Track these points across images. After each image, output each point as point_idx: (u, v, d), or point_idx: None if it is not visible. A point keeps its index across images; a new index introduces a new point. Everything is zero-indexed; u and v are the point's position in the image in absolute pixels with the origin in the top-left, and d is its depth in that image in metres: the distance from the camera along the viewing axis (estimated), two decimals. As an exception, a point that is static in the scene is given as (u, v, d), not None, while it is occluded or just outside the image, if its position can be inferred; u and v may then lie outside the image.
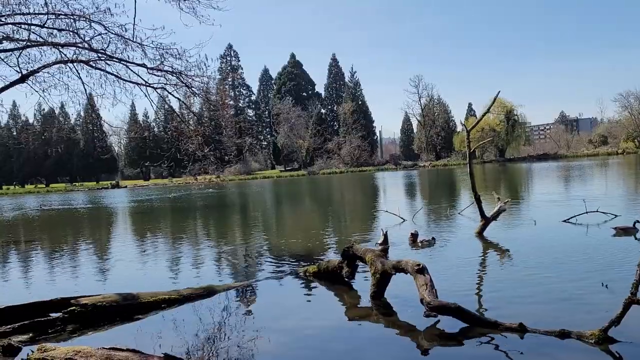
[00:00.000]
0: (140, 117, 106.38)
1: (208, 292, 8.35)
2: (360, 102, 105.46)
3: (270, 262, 11.16)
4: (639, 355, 5.12)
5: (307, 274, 9.24)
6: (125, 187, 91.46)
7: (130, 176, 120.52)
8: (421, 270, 6.74)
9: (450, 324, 6.36)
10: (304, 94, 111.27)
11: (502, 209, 12.80)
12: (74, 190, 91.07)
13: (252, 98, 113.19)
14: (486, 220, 12.60)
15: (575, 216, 13.97)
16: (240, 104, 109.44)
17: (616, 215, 13.99)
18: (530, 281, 8.12)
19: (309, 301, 8.09)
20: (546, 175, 44.73)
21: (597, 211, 14.07)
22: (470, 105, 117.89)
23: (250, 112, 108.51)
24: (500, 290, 7.78)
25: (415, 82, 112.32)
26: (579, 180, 35.01)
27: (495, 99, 12.31)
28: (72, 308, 7.21)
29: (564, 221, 13.89)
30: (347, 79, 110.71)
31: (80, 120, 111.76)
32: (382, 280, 7.55)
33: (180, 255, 13.12)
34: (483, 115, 12.61)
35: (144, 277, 10.77)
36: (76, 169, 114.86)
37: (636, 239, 11.06)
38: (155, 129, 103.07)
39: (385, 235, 11.32)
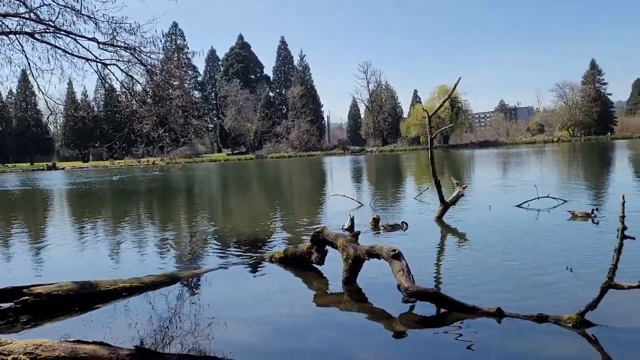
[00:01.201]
0: (79, 96, 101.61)
1: (171, 279, 7.98)
2: (309, 87, 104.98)
3: (229, 248, 10.87)
4: (614, 338, 5.23)
5: (274, 259, 9.01)
6: (63, 168, 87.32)
7: (67, 157, 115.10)
8: (397, 255, 6.66)
9: (425, 310, 6.33)
10: (252, 76, 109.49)
11: (461, 194, 13.00)
12: (5, 171, 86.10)
13: (198, 79, 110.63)
14: (445, 205, 12.75)
15: (527, 201, 14.38)
16: (186, 85, 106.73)
17: (565, 201, 14.52)
18: (497, 266, 8.24)
19: (278, 288, 7.86)
20: (489, 161, 46.21)
21: (547, 197, 14.55)
22: (415, 92, 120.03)
23: (197, 94, 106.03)
24: (469, 275, 7.84)
25: (364, 68, 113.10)
26: (521, 167, 36.32)
27: (455, 86, 12.40)
28: (25, 298, 6.69)
29: (517, 206, 14.27)
30: (296, 63, 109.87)
31: (13, 97, 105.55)
32: (354, 266, 7.44)
33: (134, 241, 12.56)
34: (444, 101, 12.72)
35: (95, 264, 10.20)
36: (8, 149, 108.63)
37: (594, 222, 11.47)
38: (96, 109, 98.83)
39: (352, 220, 11.25)
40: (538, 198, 14.26)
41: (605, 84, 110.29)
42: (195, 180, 42.80)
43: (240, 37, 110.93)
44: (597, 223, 11.39)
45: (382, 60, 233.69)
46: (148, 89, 15.34)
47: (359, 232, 8.02)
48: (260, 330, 6.10)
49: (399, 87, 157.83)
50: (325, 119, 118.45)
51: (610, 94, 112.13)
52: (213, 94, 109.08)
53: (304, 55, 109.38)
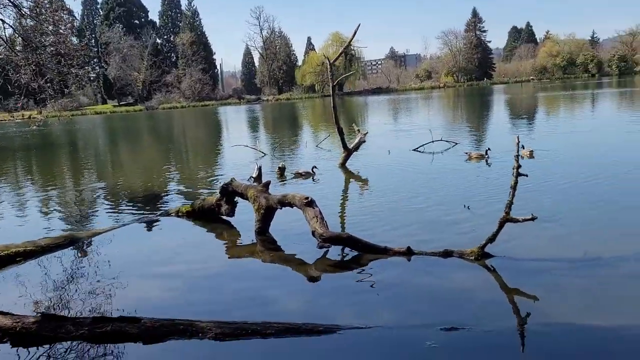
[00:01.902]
0: None
1: (70, 241, 7.47)
2: (199, 33, 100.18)
3: (126, 205, 10.37)
4: (511, 266, 5.73)
5: (180, 214, 8.74)
6: None
7: None
8: (310, 203, 6.72)
9: (339, 254, 6.52)
10: (136, 21, 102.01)
11: (362, 141, 13.31)
12: None
13: (75, 24, 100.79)
14: (348, 152, 13.02)
15: (422, 145, 15.10)
16: (62, 31, 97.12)
17: (456, 143, 15.43)
18: (401, 208, 8.63)
19: (188, 242, 7.63)
20: (383, 107, 47.68)
21: (441, 140, 15.36)
22: (309, 39, 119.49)
23: (74, 40, 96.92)
24: (376, 218, 8.12)
25: (256, 14, 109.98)
26: (413, 112, 37.95)
27: (355, 32, 12.43)
28: None
29: (414, 150, 14.94)
30: (184, 8, 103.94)
31: None
32: (266, 216, 7.42)
33: (17, 203, 11.54)
34: (345, 48, 12.72)
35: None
36: None
37: (487, 163, 12.31)
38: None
39: (259, 169, 11.14)
40: (432, 141, 15.01)
41: (485, 31, 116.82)
42: (79, 134, 39.87)
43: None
44: (490, 164, 12.27)
45: (275, 6, 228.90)
46: (20, 34, 13.83)
47: (269, 182, 7.97)
48: (173, 286, 5.94)
49: (293, 34, 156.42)
50: (218, 67, 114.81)
51: (489, 41, 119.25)
52: (93, 41, 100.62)
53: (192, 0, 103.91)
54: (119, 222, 8.75)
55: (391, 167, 12.79)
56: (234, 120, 47.47)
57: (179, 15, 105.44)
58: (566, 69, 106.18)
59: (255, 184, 8.58)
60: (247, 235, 7.67)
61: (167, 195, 11.29)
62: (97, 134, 40.71)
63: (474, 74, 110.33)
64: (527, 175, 5.80)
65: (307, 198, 6.78)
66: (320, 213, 6.62)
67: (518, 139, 5.74)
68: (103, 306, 5.27)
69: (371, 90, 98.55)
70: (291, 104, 77.86)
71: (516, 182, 5.70)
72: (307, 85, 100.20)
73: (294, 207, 7.14)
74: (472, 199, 8.73)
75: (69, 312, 5.15)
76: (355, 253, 6.38)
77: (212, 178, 13.02)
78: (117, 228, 8.26)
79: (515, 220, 5.66)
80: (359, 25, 12.34)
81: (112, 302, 5.36)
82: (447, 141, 15.40)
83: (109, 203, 10.84)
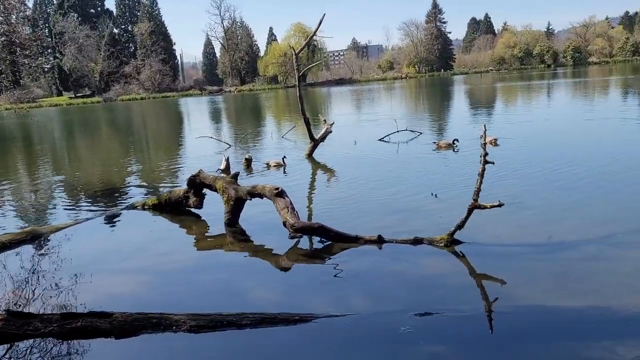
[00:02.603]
0: None
1: (32, 236, 7.24)
2: (158, 23, 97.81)
3: (88, 199, 10.13)
4: (479, 251, 5.86)
5: (147, 206, 8.58)
6: None
7: None
8: (280, 193, 6.71)
9: (310, 244, 6.54)
10: (92, 10, 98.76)
11: (329, 131, 13.33)
12: None
13: (27, 13, 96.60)
14: (315, 142, 13.02)
15: (388, 135, 15.24)
16: (13, 20, 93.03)
17: (421, 133, 15.64)
18: (370, 197, 8.71)
19: (156, 236, 7.52)
20: (346, 98, 47.79)
21: (406, 130, 15.54)
22: (271, 29, 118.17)
23: (27, 30, 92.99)
24: (345, 208, 8.18)
25: (217, 3, 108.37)
26: (377, 103, 38.23)
27: (320, 22, 12.38)
28: None
29: (380, 140, 15.06)
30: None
31: None
32: (236, 207, 7.36)
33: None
34: (310, 38, 12.65)
35: None
36: None
37: (455, 152, 12.52)
38: None
39: (227, 161, 11.05)
40: (398, 131, 15.16)
41: (445, 22, 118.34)
42: (34, 127, 38.48)
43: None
44: (457, 152, 12.50)
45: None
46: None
47: (237, 173, 7.90)
48: (143, 280, 5.85)
49: (254, 24, 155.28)
50: (179, 57, 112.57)
51: (449, 33, 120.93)
52: (47, 31, 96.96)
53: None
54: (81, 216, 8.52)
55: (358, 157, 12.86)
56: (196, 111, 46.74)
57: (136, 4, 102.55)
58: (523, 60, 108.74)
59: (223, 175, 8.47)
60: (217, 227, 7.59)
61: (129, 188, 11.07)
62: (53, 126, 39.37)
63: (435, 64, 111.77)
64: (493, 163, 5.91)
65: (277, 188, 6.77)
66: (291, 203, 6.62)
67: (485, 127, 5.87)
68: (71, 302, 5.13)
69: (334, 81, 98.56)
70: (254, 95, 77.13)
71: (483, 170, 5.82)
72: (269, 76, 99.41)
73: (264, 198, 7.11)
74: (440, 187, 8.88)
75: (35, 309, 5.00)
76: (327, 242, 6.41)
77: (174, 170, 12.84)
78: (81, 222, 8.04)
79: (483, 207, 5.79)
80: (324, 16, 12.29)
81: (80, 298, 5.22)
82: (412, 131, 15.59)
83: (69, 197, 10.54)
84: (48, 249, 6.95)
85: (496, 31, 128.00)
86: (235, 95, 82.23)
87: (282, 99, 58.04)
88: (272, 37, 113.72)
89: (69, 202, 10.03)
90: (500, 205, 5.70)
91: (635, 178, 8.88)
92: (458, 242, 5.95)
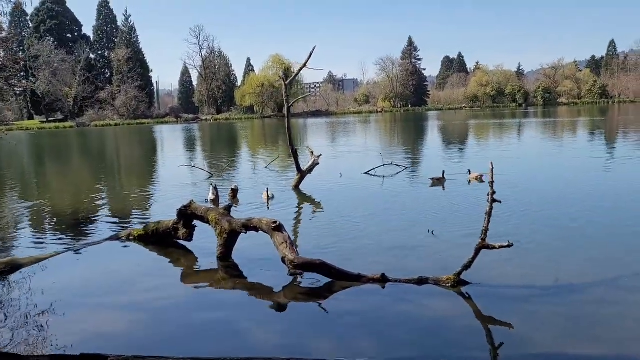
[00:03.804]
0: None
1: (11, 267, 6.81)
2: (136, 50, 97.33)
3: (71, 228, 9.67)
4: (485, 293, 5.70)
5: (132, 237, 8.20)
6: None
7: None
8: (278, 227, 6.46)
9: (308, 281, 6.27)
10: (69, 35, 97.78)
11: (316, 163, 13.16)
12: None
13: (1, 35, 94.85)
14: (302, 174, 12.83)
15: (374, 168, 15.15)
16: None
17: (405, 167, 15.62)
18: (364, 232, 8.51)
19: (143, 269, 7.15)
20: (324, 130, 47.95)
21: (391, 164, 15.50)
22: (248, 60, 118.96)
23: (0, 52, 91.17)
24: (339, 244, 7.92)
25: (196, 33, 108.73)
26: (356, 135, 38.42)
27: (311, 54, 12.31)
28: None
29: (365, 173, 14.96)
30: (120, 23, 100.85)
31: None
32: (229, 240, 7.07)
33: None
34: (299, 71, 12.56)
35: None
36: None
37: (444, 189, 12.45)
38: None
39: (216, 189, 10.77)
40: (384, 165, 15.11)
41: (420, 59, 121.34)
42: (1, 152, 37.34)
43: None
44: (444, 188, 12.48)
45: (215, 27, 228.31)
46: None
47: (230, 205, 7.63)
48: (132, 318, 5.48)
49: (232, 54, 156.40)
50: (155, 85, 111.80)
51: (424, 69, 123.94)
52: (21, 53, 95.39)
53: (130, 15, 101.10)
54: (60, 246, 8.08)
55: (345, 190, 12.70)
56: (172, 139, 46.14)
57: (114, 30, 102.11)
58: (495, 98, 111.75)
59: (214, 206, 8.17)
60: (207, 260, 7.28)
61: (108, 217, 10.58)
62: (23, 151, 38.27)
63: (410, 99, 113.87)
64: (500, 202, 5.81)
65: (275, 222, 6.51)
66: (290, 238, 6.37)
67: (492, 165, 5.76)
68: (59, 342, 4.75)
69: (311, 113, 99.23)
70: (230, 124, 76.88)
71: (491, 209, 5.71)
72: (246, 105, 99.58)
73: (260, 232, 6.85)
74: (434, 223, 8.75)
75: (21, 349, 4.60)
76: (327, 280, 6.16)
77: (154, 199, 12.46)
78: (62, 253, 7.61)
79: (492, 247, 5.65)
80: (315, 48, 12.26)
81: (69, 337, 4.85)
82: (397, 165, 15.56)
83: (45, 226, 10.04)
84: (29, 281, 6.50)
85: (469, 69, 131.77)
86: (212, 123, 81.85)
87: (258, 128, 58.02)
88: (249, 68, 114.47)
89: (46, 231, 9.55)
90: (509, 246, 5.56)
91: (626, 216, 8.94)
92: (465, 283, 5.77)
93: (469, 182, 13.08)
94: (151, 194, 13.34)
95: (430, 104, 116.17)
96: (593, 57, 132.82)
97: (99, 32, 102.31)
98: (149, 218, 10.11)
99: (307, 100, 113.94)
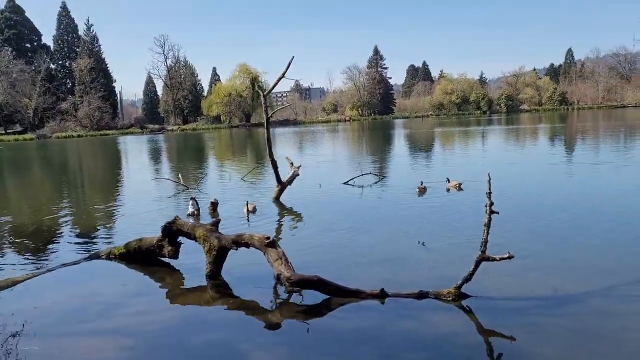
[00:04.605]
0: None
1: (-16, 292, 6.38)
2: (99, 60, 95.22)
3: (45, 246, 9.23)
4: (488, 306, 5.62)
5: (112, 256, 7.85)
6: None
7: None
8: (272, 243, 6.26)
9: (304, 298, 6.08)
10: (28, 45, 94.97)
11: (296, 174, 12.99)
12: None
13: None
14: (282, 186, 12.63)
15: (353, 178, 15.07)
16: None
17: (384, 177, 15.60)
18: (352, 244, 8.38)
19: (128, 290, 6.77)
20: (294, 139, 47.77)
21: (369, 173, 15.46)
22: (214, 69, 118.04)
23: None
24: (327, 257, 7.77)
25: (160, 42, 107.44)
26: (326, 144, 38.40)
27: (289, 65, 12.10)
28: None
29: (344, 183, 14.85)
30: (82, 33, 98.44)
31: None
32: (218, 257, 6.82)
33: None
34: (278, 80, 12.34)
35: None
36: None
37: (419, 196, 12.45)
38: None
39: (196, 202, 10.48)
40: (362, 175, 15.05)
41: (386, 68, 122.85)
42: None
43: (11, 0, 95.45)
44: (420, 196, 12.49)
45: (179, 36, 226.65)
46: None
47: (218, 221, 7.39)
48: (125, 343, 5.18)
49: (198, 64, 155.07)
50: (118, 95, 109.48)
51: (390, 78, 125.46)
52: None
53: (92, 25, 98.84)
54: (33, 266, 7.67)
55: (327, 201, 12.54)
56: (139, 150, 45.11)
57: (75, 40, 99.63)
58: (460, 106, 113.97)
59: (198, 222, 7.89)
60: (194, 278, 7.01)
61: (79, 235, 10.12)
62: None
63: (377, 108, 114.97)
64: (498, 213, 5.76)
65: (267, 238, 6.32)
66: (284, 254, 6.18)
67: (489, 176, 5.72)
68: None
69: (279, 122, 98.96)
70: (197, 134, 75.90)
71: (490, 220, 5.65)
72: (213, 115, 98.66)
73: (250, 247, 6.63)
74: (421, 233, 8.69)
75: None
76: (323, 296, 5.98)
77: (125, 214, 11.98)
78: (39, 275, 7.21)
79: (492, 259, 5.59)
80: (293, 58, 12.09)
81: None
82: (375, 174, 15.53)
83: (10, 245, 9.45)
84: (7, 305, 6.10)
85: (433, 78, 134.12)
86: (178, 134, 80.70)
87: (227, 138, 57.46)
88: (215, 77, 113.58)
89: (11, 251, 9.02)
90: (510, 258, 5.51)
91: (611, 220, 9.08)
92: (465, 296, 5.69)
93: (448, 190, 13.12)
94: (119, 209, 12.88)
95: (397, 112, 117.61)
96: (552, 65, 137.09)
97: (60, 42, 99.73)
98: (120, 234, 9.72)
99: (275, 109, 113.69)
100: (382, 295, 5.78)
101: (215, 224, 7.21)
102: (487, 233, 5.64)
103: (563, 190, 12.72)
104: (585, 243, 7.96)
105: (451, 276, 6.45)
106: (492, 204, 5.66)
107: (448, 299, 5.64)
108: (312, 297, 6.03)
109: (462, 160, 21.69)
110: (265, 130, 12.48)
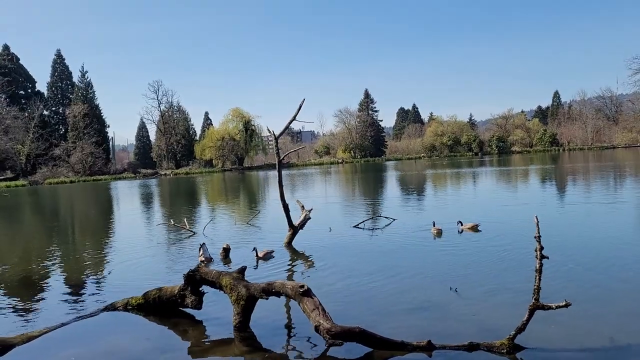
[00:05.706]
0: None
1: (1, 346, 5.95)
2: (93, 106, 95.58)
3: (51, 298, 8.77)
4: (543, 358, 5.26)
5: (130, 307, 7.42)
6: None
7: None
8: (307, 292, 5.91)
9: (344, 350, 5.70)
10: (22, 92, 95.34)
11: (308, 217, 12.70)
12: None
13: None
14: (294, 230, 12.31)
15: (363, 221, 14.78)
16: None
17: (394, 219, 15.30)
18: (379, 292, 8.01)
19: (152, 345, 6.31)
20: (289, 182, 47.49)
21: (380, 216, 15.18)
22: (207, 114, 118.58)
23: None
24: (357, 304, 7.44)
25: (154, 88, 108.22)
26: (323, 186, 38.19)
27: (300, 107, 12.04)
28: None
29: (355, 226, 14.52)
30: (76, 80, 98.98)
31: None
32: (247, 308, 6.44)
33: None
34: (289, 123, 12.26)
35: None
36: None
37: (435, 237, 12.17)
38: None
39: (205, 248, 10.21)
40: (373, 218, 14.77)
41: (377, 111, 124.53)
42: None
43: (6, 48, 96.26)
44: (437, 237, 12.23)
45: (171, 82, 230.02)
46: None
47: (245, 268, 7.02)
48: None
49: (190, 108, 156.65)
50: (111, 140, 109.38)
51: (381, 120, 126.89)
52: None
53: (86, 72, 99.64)
54: (44, 319, 7.22)
55: (340, 245, 12.15)
56: (132, 195, 44.57)
57: (70, 86, 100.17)
58: (452, 147, 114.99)
59: (229, 270, 7.50)
60: (219, 331, 6.61)
61: (88, 284, 9.67)
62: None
63: (369, 150, 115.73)
64: (548, 257, 5.47)
65: (302, 286, 5.96)
66: (320, 303, 5.81)
67: (537, 218, 5.48)
68: None
69: (272, 165, 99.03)
70: (190, 178, 75.43)
71: (541, 265, 5.37)
72: (206, 159, 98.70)
73: (281, 297, 6.27)
74: (449, 279, 8.38)
75: None
76: (366, 349, 5.61)
77: (131, 262, 11.50)
78: (55, 329, 6.76)
79: (548, 308, 5.27)
80: (304, 100, 12.01)
81: None
82: (386, 217, 15.24)
83: (13, 295, 9.03)
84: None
85: (423, 120, 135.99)
86: (172, 178, 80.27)
87: (219, 182, 57.13)
88: (207, 121, 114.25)
89: (17, 302, 8.57)
90: (567, 306, 5.19)
91: None
92: (520, 348, 5.34)
93: (460, 232, 12.86)
94: (128, 255, 12.38)
95: (389, 154, 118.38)
96: (539, 107, 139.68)
97: (54, 89, 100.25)
98: (126, 283, 9.29)
99: (267, 152, 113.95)
100: (429, 347, 5.42)
101: (241, 271, 6.85)
102: (539, 279, 5.34)
103: (600, 232, 12.35)
104: (632, 288, 7.61)
105: (494, 325, 6.13)
106: (542, 248, 5.39)
107: (502, 351, 5.29)
108: (352, 349, 5.65)
109: (468, 201, 21.52)
110: (277, 173, 12.25)
